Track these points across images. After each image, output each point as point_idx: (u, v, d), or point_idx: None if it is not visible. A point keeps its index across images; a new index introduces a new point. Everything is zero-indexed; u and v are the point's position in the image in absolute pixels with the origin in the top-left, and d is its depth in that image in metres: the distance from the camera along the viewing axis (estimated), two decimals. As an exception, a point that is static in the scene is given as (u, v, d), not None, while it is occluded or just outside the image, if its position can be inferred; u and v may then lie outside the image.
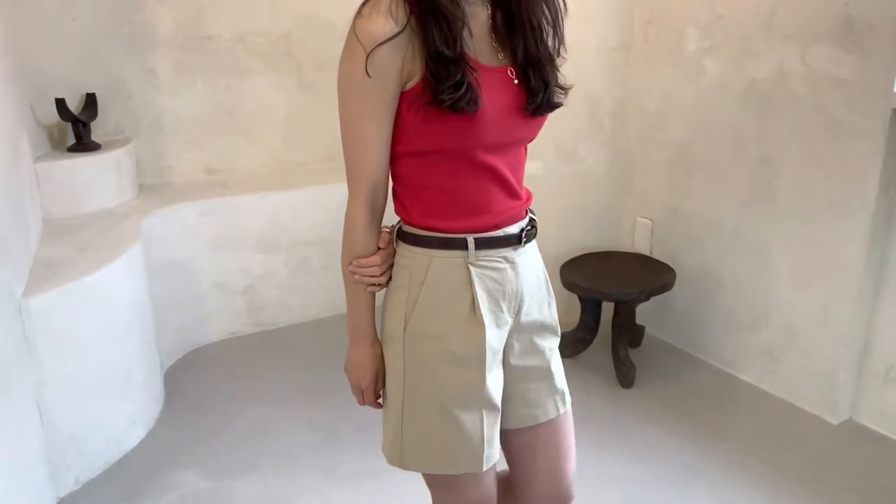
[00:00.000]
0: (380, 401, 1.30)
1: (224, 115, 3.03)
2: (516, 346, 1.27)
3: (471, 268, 1.18)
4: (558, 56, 1.20)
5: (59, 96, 2.60)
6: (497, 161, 1.17)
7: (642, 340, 2.96)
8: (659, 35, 2.83)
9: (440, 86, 1.06)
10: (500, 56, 1.16)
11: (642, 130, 2.99)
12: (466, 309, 1.19)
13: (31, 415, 1.93)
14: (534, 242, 1.28)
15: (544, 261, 1.34)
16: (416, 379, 1.21)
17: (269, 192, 2.96)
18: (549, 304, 1.32)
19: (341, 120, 1.14)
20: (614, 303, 2.70)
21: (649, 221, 3.03)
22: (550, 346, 1.31)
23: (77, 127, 2.66)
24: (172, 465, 2.24)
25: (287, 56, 3.06)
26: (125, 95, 2.85)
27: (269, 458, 2.27)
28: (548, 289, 1.32)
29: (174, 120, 2.95)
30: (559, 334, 1.34)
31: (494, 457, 1.26)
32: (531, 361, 1.29)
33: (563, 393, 1.33)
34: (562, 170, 3.01)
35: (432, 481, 1.31)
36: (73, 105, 2.70)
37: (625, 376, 2.65)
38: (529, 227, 1.25)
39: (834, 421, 2.43)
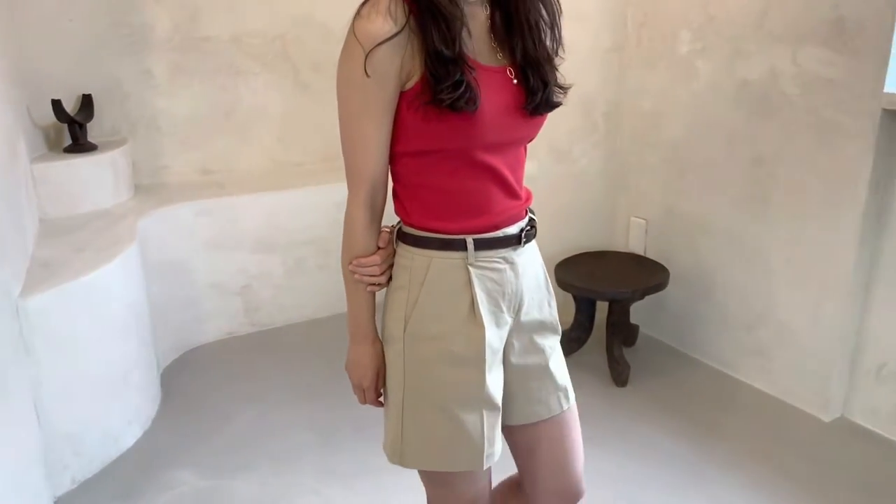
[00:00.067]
0: (381, 399, 1.30)
1: (220, 115, 3.03)
2: (516, 344, 1.27)
3: (470, 269, 1.19)
4: (556, 56, 1.21)
5: (56, 97, 2.61)
6: (496, 161, 1.17)
7: (636, 339, 2.97)
8: (652, 37, 2.86)
9: (439, 85, 1.06)
10: (499, 56, 1.17)
11: (636, 131, 3.01)
12: (466, 309, 1.19)
13: (28, 414, 1.93)
14: (534, 242, 1.28)
15: (539, 260, 1.34)
16: (416, 379, 1.22)
17: (265, 193, 2.96)
18: (549, 303, 1.32)
19: (341, 120, 1.15)
20: (608, 302, 2.71)
21: (643, 221, 3.04)
22: (551, 344, 1.32)
23: (73, 128, 2.66)
24: (169, 464, 2.24)
25: (283, 57, 3.07)
26: (122, 96, 2.86)
27: (267, 458, 2.27)
28: (548, 287, 1.33)
29: (170, 120, 2.96)
30: (560, 332, 1.34)
31: (495, 455, 1.26)
32: (531, 360, 1.29)
33: (567, 390, 1.33)
34: (556, 170, 3.02)
35: (429, 478, 1.32)
36: (70, 106, 2.71)
37: (619, 375, 2.67)
38: (529, 228, 1.25)
39: (826, 418, 2.45)
